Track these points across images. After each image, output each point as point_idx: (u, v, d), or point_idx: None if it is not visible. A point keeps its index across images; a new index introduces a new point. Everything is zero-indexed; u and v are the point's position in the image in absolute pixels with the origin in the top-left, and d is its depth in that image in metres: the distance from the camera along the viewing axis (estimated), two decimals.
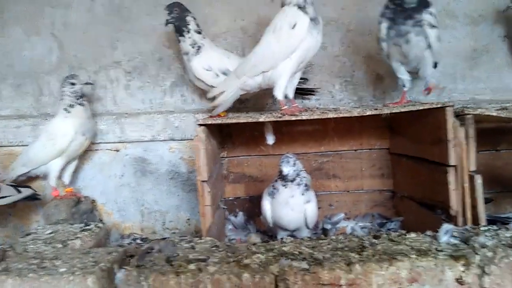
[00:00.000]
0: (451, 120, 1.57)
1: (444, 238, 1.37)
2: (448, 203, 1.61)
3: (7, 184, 1.95)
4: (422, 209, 1.86)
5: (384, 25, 1.75)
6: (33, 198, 2.00)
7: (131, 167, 2.28)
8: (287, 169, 1.64)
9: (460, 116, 1.60)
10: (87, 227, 1.80)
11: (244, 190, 2.24)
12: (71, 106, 2.01)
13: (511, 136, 2.11)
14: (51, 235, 1.70)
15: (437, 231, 1.40)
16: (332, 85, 2.27)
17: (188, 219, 2.30)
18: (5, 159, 2.24)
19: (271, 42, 1.65)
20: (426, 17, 1.68)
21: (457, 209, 1.60)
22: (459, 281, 1.23)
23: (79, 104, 2.02)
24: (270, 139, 1.92)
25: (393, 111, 1.65)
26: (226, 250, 1.36)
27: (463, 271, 1.22)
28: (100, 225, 1.85)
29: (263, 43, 1.69)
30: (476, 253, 1.25)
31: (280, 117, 1.63)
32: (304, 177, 1.71)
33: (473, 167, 1.58)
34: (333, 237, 1.47)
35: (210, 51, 1.98)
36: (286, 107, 1.68)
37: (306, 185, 1.71)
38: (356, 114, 1.64)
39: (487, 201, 1.68)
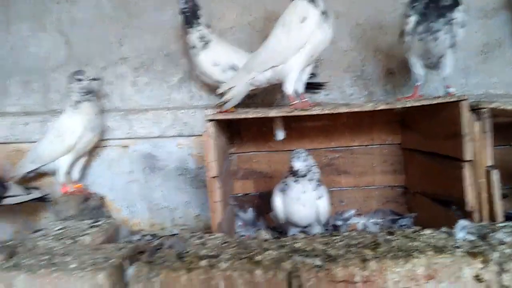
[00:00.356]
0: (466, 114, 1.53)
1: (460, 234, 1.34)
2: (464, 199, 1.58)
3: (17, 184, 1.94)
4: (436, 205, 1.83)
5: (413, 19, 1.68)
6: (43, 200, 1.99)
7: (140, 164, 2.27)
8: (298, 165, 1.61)
9: (475, 110, 1.57)
10: (97, 224, 1.78)
11: (253, 186, 2.22)
12: (79, 102, 1.99)
13: None
14: (61, 231, 1.68)
15: (452, 228, 1.37)
16: (342, 80, 2.24)
17: (197, 216, 2.28)
18: (13, 156, 2.23)
19: (281, 36, 1.62)
20: (458, 15, 1.63)
21: (473, 205, 1.57)
22: (477, 278, 1.20)
23: (87, 100, 2.01)
24: (280, 135, 1.89)
25: (407, 105, 1.61)
26: (237, 246, 1.34)
27: (481, 268, 1.19)
28: (109, 221, 1.83)
29: (273, 37, 1.66)
30: (494, 250, 1.22)
31: (290, 112, 1.60)
32: (316, 172, 1.68)
33: (489, 162, 1.55)
34: (346, 234, 1.44)
35: (217, 46, 1.96)
36: (296, 102, 1.65)
37: (318, 180, 1.68)
38: (368, 109, 1.60)
39: (502, 197, 1.64)
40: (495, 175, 1.53)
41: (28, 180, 2.20)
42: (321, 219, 1.72)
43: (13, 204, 1.94)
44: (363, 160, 2.18)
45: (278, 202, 1.74)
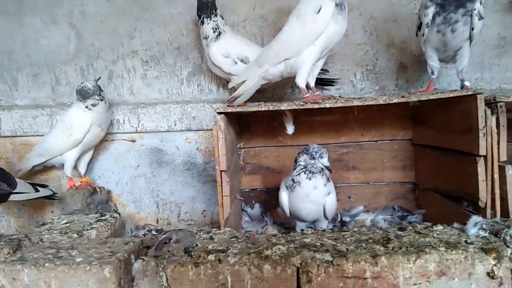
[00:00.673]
0: (482, 108, 1.50)
1: (473, 230, 1.32)
2: (477, 195, 1.55)
3: (25, 181, 1.94)
4: (447, 202, 1.80)
5: (431, 10, 1.65)
6: (50, 198, 1.99)
7: (147, 158, 2.26)
8: (326, 161, 1.59)
9: (491, 104, 1.53)
10: (103, 218, 1.78)
11: (260, 182, 2.20)
12: (93, 105, 1.98)
13: None
14: (67, 225, 1.68)
15: (464, 224, 1.35)
16: (353, 74, 2.21)
17: (204, 211, 2.27)
18: (21, 149, 2.24)
19: (295, 28, 1.60)
20: (477, 6, 1.60)
21: (486, 201, 1.53)
22: (490, 275, 1.18)
23: (100, 100, 1.99)
24: (290, 129, 1.87)
25: (422, 99, 1.58)
26: (245, 241, 1.33)
27: (494, 265, 1.18)
28: (116, 215, 1.83)
29: (287, 29, 1.64)
30: (508, 246, 1.21)
31: (302, 105, 1.58)
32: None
33: (503, 157, 1.52)
34: (356, 229, 1.42)
35: (229, 37, 1.95)
36: (308, 95, 1.62)
37: (327, 175, 1.66)
38: (382, 102, 1.57)
39: None
40: (510, 171, 1.50)
41: (35, 173, 2.21)
42: (328, 214, 1.70)
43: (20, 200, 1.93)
44: (373, 155, 2.15)
45: (284, 198, 1.71)
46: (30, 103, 2.33)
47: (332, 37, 1.59)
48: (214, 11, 1.94)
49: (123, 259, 1.24)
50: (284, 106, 1.60)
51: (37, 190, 1.90)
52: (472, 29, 1.62)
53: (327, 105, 1.56)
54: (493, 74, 2.17)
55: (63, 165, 2.06)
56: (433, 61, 1.77)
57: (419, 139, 2.07)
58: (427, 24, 1.67)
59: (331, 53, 2.07)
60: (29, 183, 1.93)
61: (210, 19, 1.94)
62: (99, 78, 2.06)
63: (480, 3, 1.61)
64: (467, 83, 1.67)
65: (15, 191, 1.80)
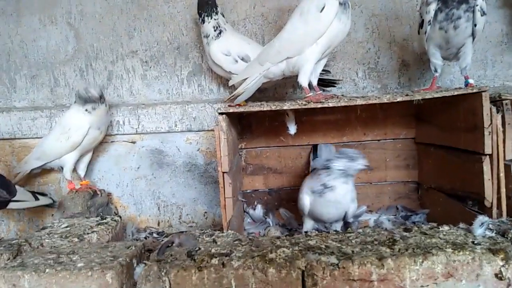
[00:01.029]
0: (487, 106, 1.48)
1: (479, 230, 1.31)
2: (482, 194, 1.53)
3: (24, 189, 1.92)
4: (451, 201, 1.78)
5: (433, 6, 1.63)
6: (50, 206, 1.97)
7: (148, 159, 2.23)
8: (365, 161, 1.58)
9: (496, 102, 1.51)
10: (103, 221, 1.75)
11: (262, 182, 2.18)
12: (94, 108, 1.94)
13: None
14: (67, 229, 1.65)
15: (470, 224, 1.33)
16: (355, 73, 2.19)
17: (205, 212, 2.25)
18: (20, 152, 2.21)
19: (297, 26, 1.58)
20: (480, 2, 1.58)
21: (492, 201, 1.51)
22: (498, 276, 1.16)
23: (101, 103, 1.95)
24: (292, 129, 1.85)
25: (426, 97, 1.56)
26: (249, 244, 1.30)
27: (502, 266, 1.16)
28: (117, 218, 1.80)
29: (289, 27, 1.61)
30: None
31: (305, 105, 1.55)
32: None
33: (509, 156, 1.50)
34: (360, 230, 1.40)
35: (230, 36, 1.93)
36: (311, 94, 1.60)
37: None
38: (386, 101, 1.55)
39: None
40: None
41: (34, 176, 2.19)
42: (349, 216, 1.69)
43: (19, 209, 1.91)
44: (375, 155, 2.13)
45: (306, 202, 1.67)
46: (29, 104, 2.31)
47: (336, 36, 1.57)
48: (215, 9, 1.92)
49: (125, 264, 1.22)
50: (286, 106, 1.58)
51: (37, 199, 1.88)
52: (475, 25, 1.60)
53: (330, 104, 1.54)
54: (496, 71, 2.15)
55: (62, 168, 2.03)
56: (436, 59, 1.75)
57: (423, 138, 2.05)
58: (429, 21, 1.66)
59: (332, 51, 2.05)
60: (29, 191, 1.91)
61: (211, 18, 1.92)
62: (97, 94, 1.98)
63: None
64: (471, 81, 1.65)
65: (14, 199, 1.78)
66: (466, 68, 1.69)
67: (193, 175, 2.23)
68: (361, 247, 1.25)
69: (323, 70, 1.78)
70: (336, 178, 1.59)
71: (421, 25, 1.73)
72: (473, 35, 1.63)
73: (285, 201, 2.16)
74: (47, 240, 1.49)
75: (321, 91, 1.69)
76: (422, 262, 1.15)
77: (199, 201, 2.24)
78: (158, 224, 2.26)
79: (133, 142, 2.23)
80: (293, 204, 2.15)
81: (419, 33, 1.77)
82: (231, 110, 1.60)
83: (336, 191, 1.59)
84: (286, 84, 2.16)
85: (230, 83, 1.80)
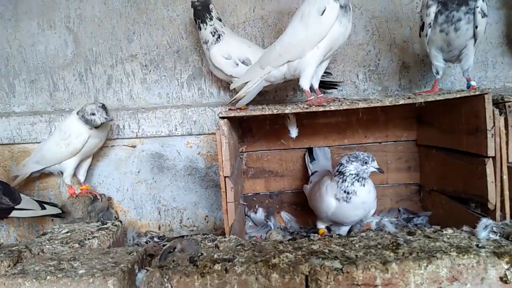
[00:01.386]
0: (490, 108, 1.47)
1: (483, 233, 1.30)
2: (485, 197, 1.53)
3: (31, 198, 1.91)
4: (453, 203, 1.78)
5: (433, 9, 1.63)
6: (56, 216, 1.95)
7: (148, 163, 2.22)
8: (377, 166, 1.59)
9: (499, 104, 1.51)
10: (104, 226, 1.74)
11: (263, 186, 2.17)
12: (96, 127, 1.93)
13: None
14: (68, 234, 1.64)
15: (474, 227, 1.32)
16: (356, 75, 2.19)
17: (206, 216, 2.24)
18: (20, 157, 2.20)
19: (298, 29, 1.57)
20: (480, 4, 1.57)
21: (495, 203, 1.51)
22: (504, 279, 1.15)
23: (105, 119, 1.93)
24: (294, 132, 1.84)
25: (428, 100, 1.55)
26: (252, 249, 1.29)
27: (507, 269, 1.15)
28: (117, 223, 1.79)
29: (290, 30, 1.60)
30: None
31: (306, 108, 1.55)
32: None
33: None
34: (364, 234, 1.39)
35: (230, 39, 1.92)
36: (312, 97, 1.59)
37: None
38: (388, 104, 1.54)
39: None
40: None
41: (33, 180, 2.18)
42: (370, 214, 1.71)
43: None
44: (377, 157, 2.07)
45: (331, 206, 1.66)
46: (28, 109, 2.30)
47: (337, 39, 1.56)
48: (208, 16, 1.91)
49: (127, 270, 1.21)
50: (288, 110, 1.57)
51: (43, 208, 1.87)
52: (476, 27, 1.59)
53: (332, 108, 1.53)
54: (497, 72, 2.15)
55: (61, 172, 2.03)
56: (438, 61, 1.74)
57: (424, 140, 2.04)
58: (430, 24, 1.65)
59: (333, 54, 2.04)
60: (36, 200, 1.90)
61: (206, 24, 1.91)
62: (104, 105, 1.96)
63: (483, 0, 1.58)
64: (473, 83, 1.65)
65: (19, 207, 1.77)
66: (468, 70, 1.69)
67: (193, 179, 2.22)
68: (365, 251, 1.24)
69: (324, 72, 1.77)
70: (353, 183, 1.60)
71: (422, 27, 1.72)
72: (474, 37, 1.62)
73: (286, 204, 2.16)
74: (47, 246, 1.48)
75: (322, 94, 1.68)
76: (427, 266, 1.14)
77: (200, 205, 2.23)
78: (159, 228, 2.25)
79: (133, 146, 2.22)
80: (294, 207, 2.15)
81: (420, 36, 1.76)
82: (232, 114, 1.59)
83: (360, 194, 1.61)
84: (287, 87, 2.15)
85: (232, 86, 1.80)
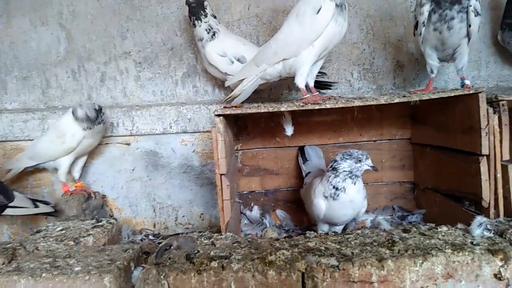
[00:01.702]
0: (484, 107, 1.49)
1: (477, 231, 1.31)
2: (479, 195, 1.54)
3: (25, 196, 1.89)
4: (447, 201, 1.79)
5: (427, 8, 1.63)
6: (49, 214, 1.94)
7: (143, 161, 2.21)
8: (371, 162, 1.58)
9: (492, 103, 1.52)
10: (99, 224, 1.73)
11: (259, 184, 2.17)
12: (90, 128, 1.92)
13: None
14: (62, 232, 1.62)
15: (468, 224, 1.33)
16: (351, 74, 2.20)
17: (202, 214, 2.23)
18: (12, 154, 2.18)
19: (294, 28, 1.56)
20: (473, 2, 1.58)
21: (489, 201, 1.52)
22: (498, 276, 1.16)
23: (98, 123, 1.93)
24: (289, 130, 1.84)
25: (423, 98, 1.56)
26: (248, 246, 1.29)
27: (501, 266, 1.17)
28: (112, 221, 1.78)
29: (285, 28, 1.60)
30: None
31: (302, 106, 1.54)
32: None
33: (506, 156, 1.51)
34: (359, 232, 1.40)
35: (225, 37, 1.92)
36: (308, 96, 1.60)
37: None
38: (383, 102, 1.54)
39: None
40: None
41: (26, 176, 2.16)
42: (361, 214, 1.70)
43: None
44: (372, 155, 2.07)
45: (322, 207, 1.66)
46: (20, 106, 2.27)
47: (332, 38, 1.55)
48: (203, 13, 1.91)
49: (123, 267, 1.21)
50: (284, 107, 1.57)
51: (36, 206, 1.85)
52: (469, 26, 1.61)
53: (328, 106, 1.54)
54: (490, 71, 2.17)
55: (56, 169, 2.01)
56: (433, 60, 1.75)
57: (418, 138, 2.06)
58: (423, 22, 1.66)
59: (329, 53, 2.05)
60: (29, 198, 1.88)
61: (201, 21, 1.91)
62: (100, 109, 1.97)
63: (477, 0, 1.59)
64: (467, 82, 1.66)
65: (12, 204, 1.75)
66: (462, 69, 1.70)
67: (188, 177, 2.21)
68: (361, 248, 1.24)
69: (319, 72, 1.77)
70: (344, 180, 1.59)
71: (416, 26, 1.73)
72: (468, 35, 1.63)
73: (282, 202, 2.16)
74: (42, 244, 1.46)
75: (317, 93, 1.69)
76: (422, 263, 1.15)
77: (195, 202, 2.23)
78: (154, 226, 2.24)
79: (128, 144, 2.21)
80: (289, 205, 2.15)
81: (414, 34, 1.77)
82: (228, 112, 1.59)
83: (348, 191, 1.59)
84: (282, 85, 2.16)
85: (227, 83, 1.79)
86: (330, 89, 2.08)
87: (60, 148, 1.93)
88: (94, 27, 2.22)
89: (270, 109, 1.56)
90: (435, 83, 2.06)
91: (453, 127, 1.70)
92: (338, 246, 1.27)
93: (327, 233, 1.42)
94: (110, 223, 1.74)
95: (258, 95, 2.12)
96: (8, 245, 1.42)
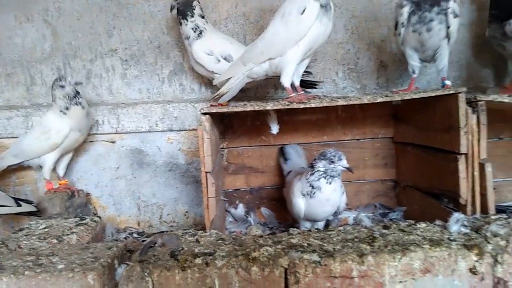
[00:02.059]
0: (463, 107, 1.52)
1: (454, 227, 1.34)
2: (457, 192, 1.57)
3: (6, 194, 1.87)
4: (427, 199, 1.83)
5: (406, 9, 1.66)
6: (32, 214, 1.92)
7: (128, 159, 2.21)
8: (346, 162, 1.59)
9: (471, 103, 1.56)
10: (83, 222, 1.71)
11: (244, 182, 2.19)
12: (67, 108, 1.91)
13: None
14: (46, 230, 1.61)
15: (446, 220, 1.37)
16: (335, 73, 2.22)
17: (187, 212, 2.24)
18: None
19: (279, 28, 1.58)
20: (451, 5, 1.61)
21: (466, 198, 1.56)
22: (473, 271, 1.20)
23: (75, 104, 1.92)
24: (275, 128, 1.86)
25: (405, 98, 1.59)
26: (232, 243, 1.31)
27: (476, 261, 1.20)
28: (96, 219, 1.76)
29: (271, 28, 1.62)
30: (489, 242, 1.23)
31: (288, 105, 1.57)
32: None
33: (484, 155, 1.55)
34: (341, 228, 1.42)
35: (212, 35, 1.93)
36: (293, 95, 1.62)
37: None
38: (366, 101, 1.57)
39: None
40: (489, 168, 1.53)
41: (9, 174, 2.14)
42: (340, 212, 1.73)
43: None
44: (354, 154, 2.17)
45: (301, 206, 1.68)
46: (4, 104, 2.25)
47: (317, 38, 1.58)
48: (190, 12, 1.92)
49: (107, 265, 1.20)
50: (269, 106, 1.59)
51: (19, 205, 1.84)
52: (448, 27, 1.64)
53: (313, 105, 1.56)
54: (470, 72, 2.21)
55: (40, 166, 2.00)
56: (414, 61, 1.78)
57: (400, 137, 2.09)
58: (402, 23, 1.69)
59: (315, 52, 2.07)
60: (11, 197, 1.86)
61: (187, 20, 1.92)
62: (80, 83, 1.98)
63: (455, 1, 1.62)
64: (448, 82, 1.69)
65: None
66: (443, 70, 1.73)
67: (174, 175, 2.22)
68: (342, 244, 1.27)
69: (304, 71, 1.80)
70: (320, 179, 1.61)
71: (396, 26, 1.76)
72: (447, 37, 1.67)
73: (266, 200, 2.18)
74: (25, 242, 1.45)
75: (303, 92, 1.71)
76: (401, 258, 1.18)
77: (180, 201, 2.23)
78: (138, 224, 2.24)
79: (113, 142, 2.20)
80: (273, 203, 2.17)
81: (394, 34, 1.80)
82: (214, 110, 1.60)
83: (324, 190, 1.61)
84: (268, 84, 2.17)
85: (214, 82, 1.81)
86: (316, 88, 2.10)
87: (45, 144, 1.92)
88: (80, 24, 2.21)
89: (256, 108, 1.58)
90: (417, 83, 2.08)
91: (434, 126, 1.73)
92: (320, 243, 1.29)
93: (310, 230, 1.44)
94: (94, 221, 1.73)
95: (244, 93, 2.13)
96: None
